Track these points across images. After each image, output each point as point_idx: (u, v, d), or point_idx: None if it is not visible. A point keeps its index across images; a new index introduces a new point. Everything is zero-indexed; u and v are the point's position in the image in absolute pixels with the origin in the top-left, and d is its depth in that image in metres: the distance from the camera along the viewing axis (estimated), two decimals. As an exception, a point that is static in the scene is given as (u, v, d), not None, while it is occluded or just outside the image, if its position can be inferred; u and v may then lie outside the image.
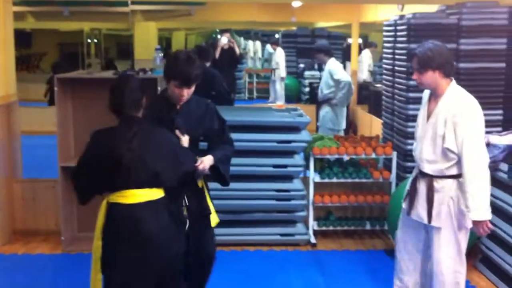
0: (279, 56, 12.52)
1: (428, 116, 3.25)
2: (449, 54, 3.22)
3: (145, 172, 2.77)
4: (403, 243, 3.43)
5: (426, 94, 3.37)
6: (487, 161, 3.13)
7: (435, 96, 3.24)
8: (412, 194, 3.33)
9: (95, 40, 18.11)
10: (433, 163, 3.20)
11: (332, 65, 6.49)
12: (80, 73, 5.67)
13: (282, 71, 12.34)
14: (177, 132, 3.07)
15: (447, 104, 3.15)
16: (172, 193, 2.92)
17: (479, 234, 3.16)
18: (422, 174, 3.27)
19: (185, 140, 3.09)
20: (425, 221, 3.25)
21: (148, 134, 2.83)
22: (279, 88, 12.44)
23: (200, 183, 3.23)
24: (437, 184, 3.21)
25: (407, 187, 3.43)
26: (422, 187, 3.27)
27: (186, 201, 3.14)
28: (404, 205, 3.43)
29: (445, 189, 3.20)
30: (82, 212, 5.13)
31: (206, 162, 3.09)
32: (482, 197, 3.07)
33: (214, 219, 3.29)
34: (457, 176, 3.18)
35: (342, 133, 6.75)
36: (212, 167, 3.16)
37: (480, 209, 3.06)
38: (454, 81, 3.23)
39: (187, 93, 3.07)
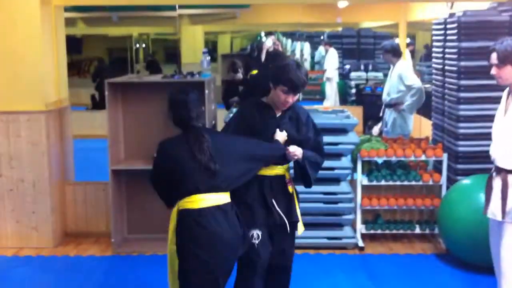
0: (331, 56, 12.40)
1: (506, 111, 3.30)
2: None
3: (212, 178, 2.90)
4: (492, 247, 3.44)
5: (505, 92, 3.42)
6: None
7: (511, 90, 3.31)
8: (488, 192, 3.36)
9: (143, 45, 18.44)
10: (508, 156, 3.22)
11: (403, 68, 6.09)
12: (130, 77, 5.78)
13: (330, 72, 12.19)
14: (277, 130, 3.19)
15: None
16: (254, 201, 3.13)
17: None
18: (497, 170, 3.30)
19: (280, 136, 3.19)
20: (499, 217, 3.24)
21: (213, 141, 2.95)
22: (329, 89, 12.31)
23: (290, 189, 3.29)
24: (511, 178, 3.21)
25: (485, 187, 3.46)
26: (497, 183, 3.29)
27: (276, 205, 3.21)
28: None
29: None
30: (132, 215, 5.23)
31: (298, 149, 3.18)
32: None
33: (300, 227, 3.35)
34: None
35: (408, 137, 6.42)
36: (299, 165, 3.25)
37: None
38: None
39: (292, 99, 3.16)
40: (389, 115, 6.26)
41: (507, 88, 3.36)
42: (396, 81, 6.07)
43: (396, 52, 6.09)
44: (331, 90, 12.23)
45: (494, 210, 3.29)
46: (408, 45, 12.13)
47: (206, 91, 4.80)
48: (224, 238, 2.89)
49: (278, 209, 3.19)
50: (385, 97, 6.33)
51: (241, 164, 3.02)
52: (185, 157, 2.90)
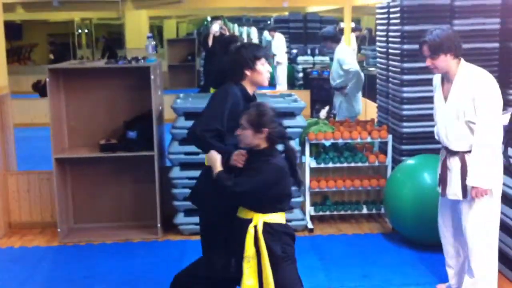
0: (278, 41, 12.38)
1: (446, 97, 3.43)
2: (456, 35, 3.41)
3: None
4: (445, 227, 3.64)
5: (436, 78, 3.58)
6: (501, 135, 3.30)
7: (448, 77, 3.43)
8: (444, 175, 3.48)
9: (86, 30, 17.97)
10: (462, 139, 3.36)
11: (341, 53, 6.33)
12: (72, 63, 5.63)
13: (279, 57, 12.18)
14: None
15: (463, 81, 3.35)
16: None
17: (473, 197, 3.33)
18: (452, 153, 3.42)
19: None
20: (460, 197, 3.39)
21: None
22: (280, 74, 12.31)
23: None
24: (469, 158, 3.34)
25: (438, 170, 3.57)
26: (454, 165, 3.41)
27: None
28: (439, 189, 3.57)
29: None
30: (78, 204, 5.12)
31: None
32: (483, 164, 3.26)
33: None
34: None
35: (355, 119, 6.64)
36: None
37: (479, 175, 3.27)
38: (463, 60, 3.42)
39: (270, 68, 3.25)
40: (336, 99, 6.52)
41: (439, 75, 3.51)
42: (336, 66, 6.35)
43: (334, 38, 6.33)
44: (283, 75, 12.27)
45: (455, 191, 3.42)
46: (354, 29, 12.32)
47: (152, 77, 4.74)
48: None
49: None
50: (332, 82, 6.58)
51: None
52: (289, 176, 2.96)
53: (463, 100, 3.34)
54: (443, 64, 3.37)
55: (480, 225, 3.39)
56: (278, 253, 2.90)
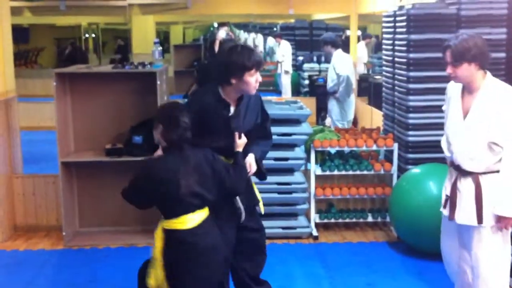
0: (284, 49, 12.33)
1: (465, 112, 3.08)
2: (484, 44, 3.03)
3: (196, 198, 2.84)
4: (450, 253, 3.34)
5: (453, 88, 3.20)
6: None
7: (469, 90, 3.07)
8: (453, 197, 3.14)
9: (93, 35, 18.05)
10: (479, 159, 3.03)
11: (335, 57, 6.60)
12: (79, 67, 5.65)
13: (286, 65, 12.14)
14: (235, 136, 3.09)
15: (488, 97, 3.01)
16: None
17: (500, 228, 3.03)
18: (465, 174, 3.09)
19: (240, 145, 3.10)
20: (475, 222, 3.05)
21: (194, 160, 2.87)
22: (285, 82, 12.25)
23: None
24: (484, 180, 3.04)
25: (445, 191, 3.24)
26: (466, 187, 3.09)
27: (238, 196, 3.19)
28: (445, 212, 3.25)
29: (495, 184, 3.03)
30: (83, 207, 5.13)
31: (253, 164, 3.15)
32: None
33: (261, 207, 3.38)
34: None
35: (347, 125, 6.81)
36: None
37: (507, 204, 2.95)
38: (489, 73, 3.07)
39: (260, 78, 3.10)
40: (330, 103, 6.83)
41: (458, 85, 3.16)
42: (331, 70, 6.68)
43: (335, 43, 6.68)
44: (288, 82, 12.20)
45: (468, 216, 3.08)
46: (365, 37, 12.32)
47: (158, 82, 4.75)
48: (212, 250, 2.88)
49: (238, 198, 3.16)
50: (327, 87, 6.96)
51: (217, 181, 2.94)
52: (173, 179, 2.79)
53: (486, 117, 2.99)
54: (465, 74, 3.01)
55: (494, 254, 3.07)
56: (170, 261, 2.86)
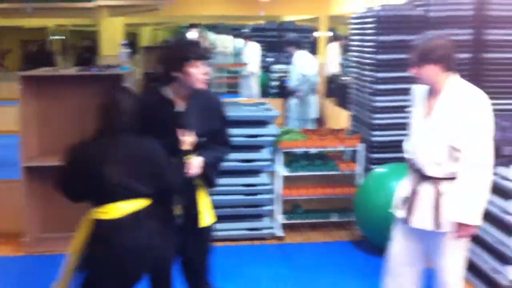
0: (251, 50, 12.19)
1: (429, 114, 2.96)
2: (451, 45, 2.92)
3: (125, 187, 2.69)
4: (401, 256, 3.13)
5: (418, 90, 3.08)
6: (492, 163, 2.86)
7: (434, 91, 2.95)
8: (412, 200, 3.02)
9: (61, 37, 17.80)
10: (441, 164, 2.92)
11: (299, 57, 6.75)
12: (45, 70, 5.55)
13: (252, 66, 11.99)
14: (180, 133, 2.93)
15: (451, 99, 2.88)
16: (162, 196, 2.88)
17: (459, 237, 2.92)
18: (425, 178, 2.98)
19: (187, 141, 2.94)
20: (432, 227, 2.96)
21: (128, 147, 2.74)
22: (253, 84, 12.07)
23: (196, 181, 3.09)
24: (445, 187, 2.93)
25: (403, 194, 3.11)
26: (426, 191, 2.98)
27: (180, 200, 3.03)
28: (399, 214, 3.12)
29: (455, 190, 2.91)
30: (46, 213, 5.02)
31: (194, 165, 2.94)
32: (475, 199, 2.82)
33: (203, 218, 3.12)
34: None
35: (309, 124, 6.90)
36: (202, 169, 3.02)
37: (468, 211, 2.82)
38: (455, 75, 2.95)
39: (206, 70, 2.95)
40: (291, 101, 7.02)
41: (424, 87, 3.03)
42: (294, 70, 6.88)
43: (298, 44, 6.93)
44: (255, 84, 12.06)
45: (425, 220, 2.97)
46: (339, 38, 12.29)
47: (125, 84, 4.70)
48: (137, 248, 2.69)
49: (180, 203, 3.02)
50: (290, 86, 7.18)
51: (156, 173, 2.77)
52: (98, 164, 2.67)
53: (448, 120, 2.87)
54: (430, 75, 2.89)
55: (459, 261, 3.02)
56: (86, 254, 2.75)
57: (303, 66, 6.76)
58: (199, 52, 2.91)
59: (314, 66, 7.06)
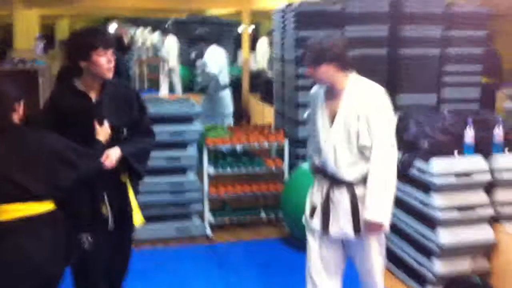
0: (169, 44, 11.73)
1: (332, 116, 2.88)
2: (344, 44, 2.87)
3: (12, 186, 2.49)
4: (320, 265, 3.01)
5: (317, 92, 3.01)
6: (396, 158, 2.86)
7: (334, 92, 2.89)
8: (326, 209, 2.91)
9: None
10: (353, 166, 2.84)
11: (207, 54, 6.92)
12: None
13: (172, 61, 11.67)
14: (95, 123, 2.85)
15: (355, 97, 2.84)
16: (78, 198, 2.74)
17: (367, 235, 2.89)
18: (339, 183, 2.88)
19: (101, 132, 2.85)
20: (351, 235, 2.87)
21: (16, 144, 2.55)
22: (176, 80, 11.74)
23: (123, 178, 3.02)
24: (360, 190, 2.86)
25: (314, 202, 2.99)
26: (341, 197, 2.88)
27: (106, 199, 2.93)
28: (313, 224, 2.99)
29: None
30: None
31: (112, 155, 2.86)
32: (382, 197, 2.79)
33: (136, 218, 3.07)
34: None
35: (225, 119, 6.92)
36: (123, 161, 2.93)
37: (376, 210, 2.78)
38: (354, 73, 2.91)
39: (113, 58, 2.86)
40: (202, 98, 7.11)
41: (321, 89, 2.97)
42: (203, 67, 7.04)
43: (208, 39, 7.07)
44: (177, 80, 11.77)
45: (343, 228, 2.88)
46: (269, 33, 12.23)
47: (40, 80, 4.49)
48: (25, 257, 2.49)
49: (107, 202, 2.92)
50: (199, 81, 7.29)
51: (47, 169, 2.57)
52: None
53: (354, 120, 2.81)
54: (325, 75, 2.84)
55: (382, 260, 3.01)
56: None
57: (209, 64, 6.86)
58: (105, 40, 2.84)
59: (220, 63, 7.04)
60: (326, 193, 2.92)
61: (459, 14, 5.45)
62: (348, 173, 2.86)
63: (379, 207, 2.79)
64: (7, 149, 2.53)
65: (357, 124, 2.81)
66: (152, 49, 14.44)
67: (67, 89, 2.94)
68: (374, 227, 2.84)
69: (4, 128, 2.56)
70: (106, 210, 2.94)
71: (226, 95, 7.05)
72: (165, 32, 12.43)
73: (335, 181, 2.89)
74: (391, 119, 2.90)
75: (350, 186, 2.87)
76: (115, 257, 3.12)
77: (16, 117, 2.62)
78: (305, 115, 3.22)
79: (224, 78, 7.02)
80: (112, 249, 3.07)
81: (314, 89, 3.06)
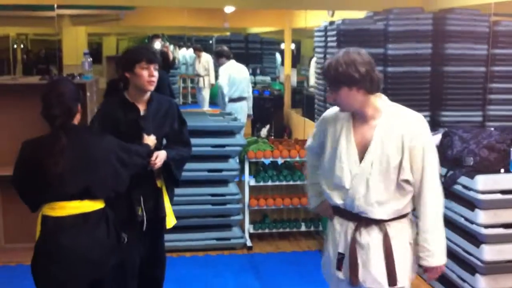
0: (206, 61, 11.80)
1: (362, 148, 2.44)
2: (367, 63, 2.37)
3: (74, 186, 2.63)
4: None
5: (334, 117, 2.54)
6: (441, 191, 2.50)
7: (362, 119, 2.45)
8: (352, 255, 2.47)
9: (22, 46, 17.45)
10: (387, 203, 2.42)
11: (221, 69, 7.33)
12: (4, 79, 5.43)
13: (211, 77, 11.56)
14: (144, 135, 3.04)
15: (395, 126, 2.40)
16: (117, 199, 2.84)
17: (431, 279, 2.62)
18: (368, 223, 2.45)
19: (149, 140, 3.05)
20: (387, 284, 2.44)
21: (80, 144, 2.69)
22: (206, 95, 11.90)
23: (159, 183, 3.18)
24: (392, 229, 2.46)
25: (335, 249, 2.55)
26: (370, 239, 2.45)
27: (142, 203, 3.08)
28: (340, 275, 2.54)
29: (404, 232, 2.49)
30: (9, 223, 4.91)
31: (161, 156, 3.07)
32: (441, 238, 2.47)
33: (169, 221, 3.23)
34: (408, 214, 2.53)
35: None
36: (164, 165, 3.11)
37: (438, 253, 2.46)
38: (384, 97, 2.48)
39: (155, 73, 3.04)
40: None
41: (345, 114, 2.50)
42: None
43: (227, 55, 7.35)
44: (206, 95, 11.69)
45: (376, 277, 2.44)
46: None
47: (88, 93, 4.65)
48: (80, 251, 2.62)
49: (142, 205, 3.07)
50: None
51: (107, 170, 2.70)
52: (47, 160, 2.58)
53: (395, 152, 2.39)
54: (348, 101, 2.38)
55: None
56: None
57: (219, 76, 7.30)
58: (148, 54, 3.03)
59: (233, 77, 7.29)
60: (352, 237, 2.48)
61: (504, 32, 5.41)
62: (381, 211, 2.43)
63: (440, 249, 2.46)
64: (73, 150, 2.64)
65: (398, 157, 2.39)
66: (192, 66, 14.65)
67: (117, 100, 3.11)
68: (436, 271, 2.51)
69: (69, 127, 2.68)
70: (142, 212, 3.08)
71: (238, 108, 7.24)
72: (196, 50, 12.63)
73: (362, 220, 2.46)
74: (435, 149, 2.49)
75: (382, 224, 2.45)
76: (148, 258, 3.24)
77: (77, 119, 2.76)
78: (309, 142, 2.72)
79: (236, 92, 7.26)
80: (145, 251, 3.20)
81: (329, 112, 2.60)
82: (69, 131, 2.67)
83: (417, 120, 2.45)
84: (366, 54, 2.41)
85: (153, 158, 3.02)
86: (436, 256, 2.45)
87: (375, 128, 2.42)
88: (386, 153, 2.40)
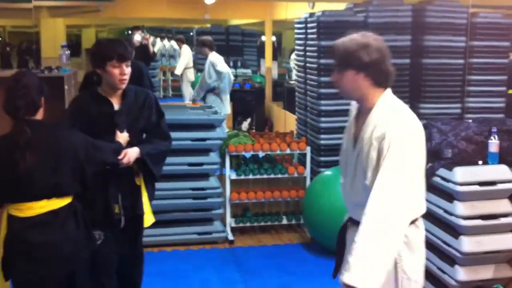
0: (185, 55, 11.56)
1: (355, 141, 2.27)
2: (382, 51, 2.18)
3: (43, 184, 2.57)
4: None
5: (354, 106, 2.39)
6: (403, 213, 2.12)
7: (362, 111, 2.27)
8: (340, 250, 2.36)
9: (-1, 38, 17.20)
10: (362, 205, 2.15)
11: (213, 57, 7.19)
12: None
13: (177, 69, 11.41)
14: (117, 131, 2.96)
15: (374, 124, 2.18)
16: (94, 197, 2.81)
17: None
18: (353, 222, 2.31)
19: (122, 137, 2.96)
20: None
21: (47, 139, 2.61)
22: (184, 87, 11.74)
23: (138, 181, 3.10)
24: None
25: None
26: (350, 240, 2.25)
27: (120, 200, 3.02)
28: None
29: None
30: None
31: (130, 154, 2.96)
32: (369, 254, 2.05)
33: (147, 219, 3.16)
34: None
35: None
36: (139, 161, 3.02)
37: (356, 270, 2.05)
38: (388, 91, 2.24)
39: (127, 71, 2.94)
40: (209, 98, 7.33)
41: (356, 106, 2.34)
42: (208, 69, 7.22)
43: (210, 46, 7.31)
44: (186, 87, 11.49)
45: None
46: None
47: (66, 87, 4.59)
48: (51, 249, 2.59)
49: (120, 202, 3.01)
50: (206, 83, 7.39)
51: (74, 165, 2.63)
52: (13, 157, 2.49)
53: (367, 149, 2.17)
54: (351, 86, 2.20)
55: None
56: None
57: (219, 65, 7.17)
58: (121, 52, 2.90)
59: (226, 66, 7.42)
60: (342, 232, 2.38)
61: (482, 24, 5.44)
62: (360, 213, 2.14)
63: (360, 267, 2.05)
64: (40, 145, 2.57)
65: (367, 157, 2.17)
66: (173, 58, 14.58)
67: (91, 95, 3.02)
68: None
69: (33, 122, 2.60)
70: (119, 210, 3.02)
71: (211, 101, 7.21)
72: (178, 41, 12.47)
73: (350, 219, 2.34)
74: (411, 152, 2.13)
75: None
76: (126, 257, 3.19)
77: (41, 114, 2.68)
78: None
79: (213, 83, 7.23)
80: (122, 249, 3.14)
81: (353, 104, 2.40)
82: (33, 126, 2.59)
83: (394, 119, 2.15)
84: (383, 42, 2.21)
85: (121, 156, 2.91)
86: (353, 272, 2.05)
87: (366, 122, 2.21)
88: (361, 152, 2.21)
